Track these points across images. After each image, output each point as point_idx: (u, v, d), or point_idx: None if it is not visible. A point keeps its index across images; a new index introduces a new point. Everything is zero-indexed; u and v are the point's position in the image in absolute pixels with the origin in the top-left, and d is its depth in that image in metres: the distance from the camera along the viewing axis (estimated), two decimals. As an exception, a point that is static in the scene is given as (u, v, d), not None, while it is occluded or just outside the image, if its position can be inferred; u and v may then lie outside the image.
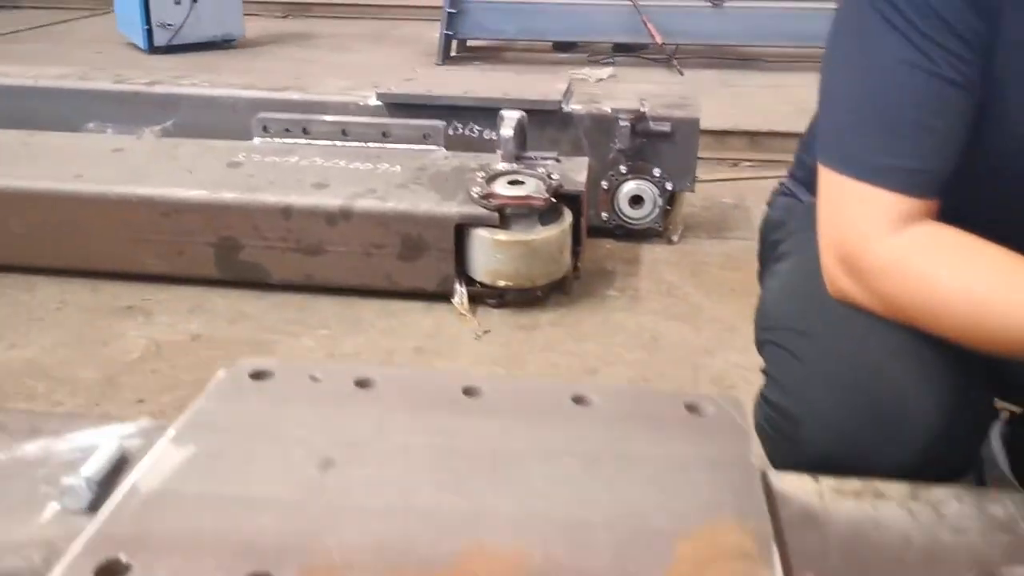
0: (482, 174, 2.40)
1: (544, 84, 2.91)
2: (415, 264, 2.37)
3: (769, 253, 1.37)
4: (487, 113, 2.77)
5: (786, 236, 1.31)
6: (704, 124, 2.85)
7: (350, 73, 5.27)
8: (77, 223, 2.43)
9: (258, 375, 0.99)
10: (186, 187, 2.39)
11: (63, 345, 2.18)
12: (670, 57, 5.71)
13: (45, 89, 3.03)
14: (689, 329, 2.32)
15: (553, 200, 2.34)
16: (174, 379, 2.04)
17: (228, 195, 2.37)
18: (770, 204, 1.51)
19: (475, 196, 2.31)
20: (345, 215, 2.33)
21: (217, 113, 2.95)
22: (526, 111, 2.67)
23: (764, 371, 1.15)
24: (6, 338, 2.20)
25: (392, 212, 2.32)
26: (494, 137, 2.79)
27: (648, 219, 2.84)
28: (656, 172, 2.78)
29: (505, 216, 2.31)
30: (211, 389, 0.97)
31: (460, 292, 2.38)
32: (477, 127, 2.83)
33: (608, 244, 2.86)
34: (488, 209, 2.29)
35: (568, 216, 2.38)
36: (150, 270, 2.48)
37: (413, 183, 2.43)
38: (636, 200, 2.82)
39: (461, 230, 2.33)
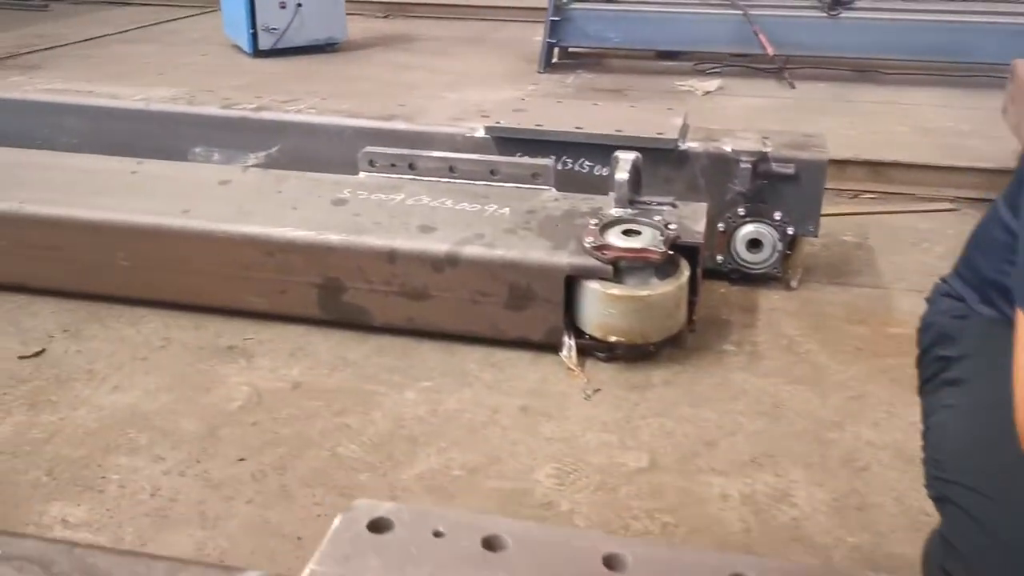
0: (595, 221, 2.28)
1: (659, 119, 2.77)
2: (522, 314, 2.27)
3: (934, 368, 1.22)
4: (599, 149, 2.66)
5: (959, 356, 1.16)
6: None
7: (451, 83, 5.22)
8: (183, 258, 2.41)
9: (376, 525, 0.91)
10: (291, 227, 2.34)
11: (165, 389, 2.15)
12: (781, 68, 5.48)
13: (156, 113, 3.03)
14: (814, 395, 2.16)
15: (670, 253, 2.21)
16: (274, 434, 1.99)
17: (333, 237, 2.31)
18: (930, 301, 1.35)
19: (588, 246, 2.19)
20: (452, 261, 2.25)
21: (322, 141, 2.90)
22: (641, 149, 2.54)
23: (940, 532, 1.01)
24: (110, 379, 2.19)
25: (500, 260, 2.23)
26: (605, 173, 2.68)
27: (766, 264, 2.68)
28: (777, 215, 2.62)
29: (619, 268, 2.20)
30: (327, 546, 0.88)
31: (568, 345, 2.28)
32: (588, 163, 2.71)
33: (723, 288, 2.71)
34: (602, 261, 2.17)
35: (686, 269, 2.25)
36: (253, 307, 2.44)
37: (522, 228, 2.33)
38: (754, 244, 2.66)
39: (572, 280, 2.22)
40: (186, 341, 2.37)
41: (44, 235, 2.48)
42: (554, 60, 5.82)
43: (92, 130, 3.10)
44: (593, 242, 2.19)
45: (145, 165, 2.71)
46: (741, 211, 2.63)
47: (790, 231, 2.63)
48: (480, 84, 5.31)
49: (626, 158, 2.39)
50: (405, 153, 2.58)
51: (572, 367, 2.24)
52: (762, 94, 5.21)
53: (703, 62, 5.82)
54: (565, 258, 2.20)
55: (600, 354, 2.29)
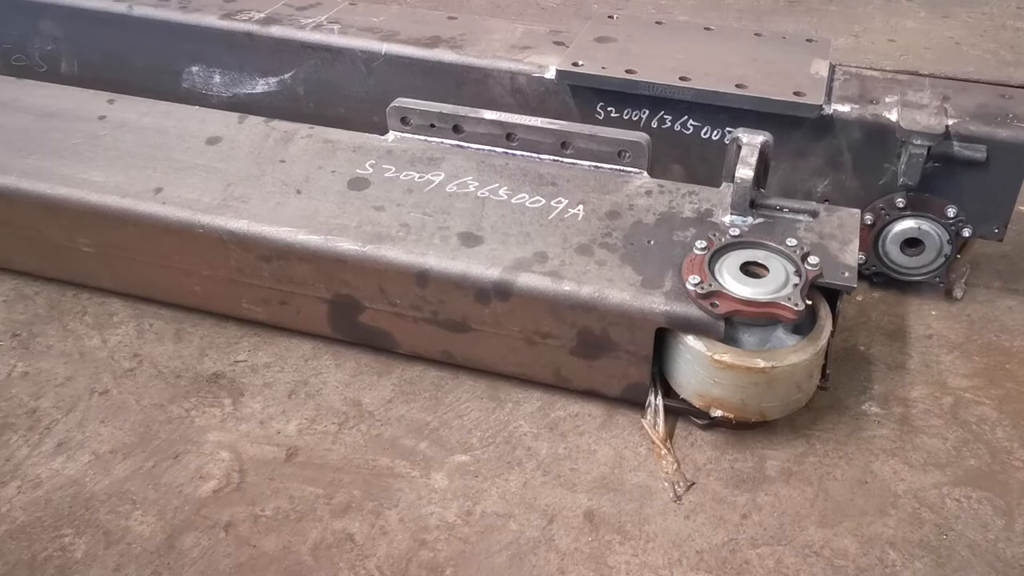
0: (702, 244, 1.63)
1: (795, 63, 2.03)
2: (594, 363, 1.68)
3: None
4: (711, 106, 1.97)
5: None
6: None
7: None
8: (157, 250, 1.85)
9: None
10: (291, 225, 1.74)
11: (123, 452, 1.64)
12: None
13: (141, 19, 2.38)
14: (994, 511, 1.56)
15: (809, 303, 1.56)
16: (252, 549, 1.48)
17: (345, 245, 1.71)
18: None
19: (692, 288, 1.56)
20: (501, 293, 1.65)
21: (347, 68, 2.25)
22: (769, 115, 1.86)
23: None
24: (57, 429, 1.69)
25: (567, 299, 1.61)
26: (715, 137, 2.01)
27: (926, 271, 2.01)
28: (950, 211, 1.92)
29: (733, 321, 1.57)
30: None
31: (654, 408, 1.69)
32: (693, 122, 2.02)
33: (860, 295, 2.06)
34: (711, 316, 1.54)
35: (827, 321, 1.61)
36: (248, 316, 1.90)
37: (600, 243, 1.69)
38: (912, 243, 1.99)
39: (665, 328, 1.61)
40: (161, 362, 1.85)
41: (-12, 207, 1.94)
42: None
43: (69, 36, 2.49)
44: (699, 285, 1.56)
45: (117, 106, 2.10)
46: (899, 201, 1.94)
47: (966, 232, 1.94)
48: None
49: (751, 143, 1.71)
50: (448, 112, 1.91)
51: (657, 442, 1.67)
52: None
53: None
54: (658, 303, 1.58)
55: (697, 420, 1.70)
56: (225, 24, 2.32)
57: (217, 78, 2.38)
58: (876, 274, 2.05)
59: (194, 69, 2.39)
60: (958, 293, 2.05)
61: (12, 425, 1.70)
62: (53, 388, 1.78)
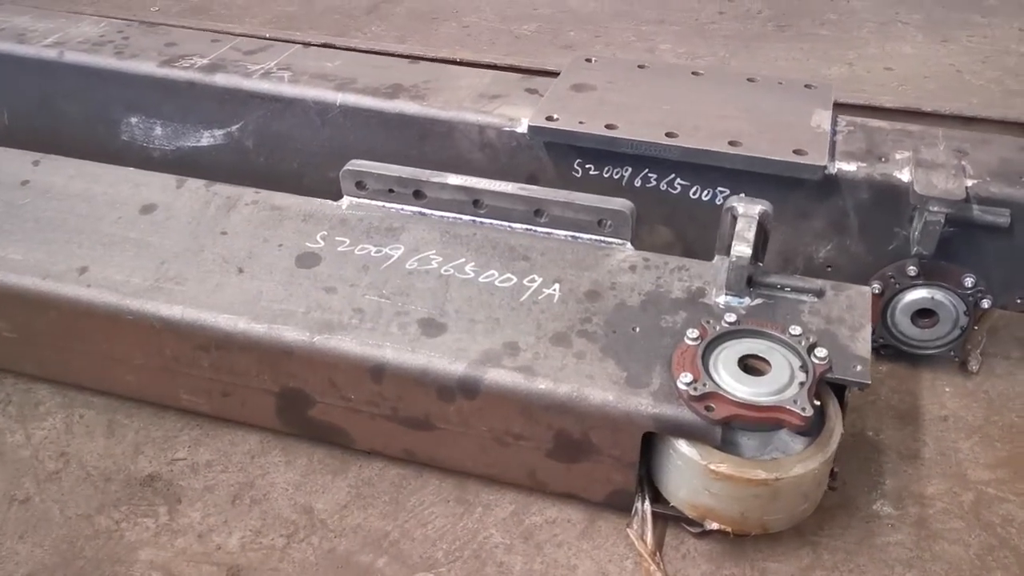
0: (694, 334, 1.44)
1: (794, 112, 1.84)
2: (573, 467, 1.49)
3: None
4: (700, 165, 1.78)
5: None
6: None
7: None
8: (84, 336, 1.65)
9: None
10: (230, 312, 1.54)
11: (42, 575, 1.44)
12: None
13: (72, 66, 2.18)
14: (1028, 640, 1.37)
15: (816, 404, 1.37)
16: None
17: (290, 335, 1.51)
18: None
19: (683, 388, 1.37)
20: (467, 391, 1.45)
21: (298, 120, 2.05)
22: (767, 176, 1.68)
23: None
24: (-37, 550, 1.49)
25: (542, 398, 1.42)
26: (706, 198, 1.82)
27: (939, 344, 1.82)
28: (967, 281, 1.74)
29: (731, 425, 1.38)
30: None
31: (641, 515, 1.50)
32: (681, 182, 1.83)
33: (867, 368, 1.87)
34: (707, 421, 1.35)
35: (838, 424, 1.42)
36: (187, 407, 1.69)
37: (578, 331, 1.50)
38: (924, 314, 1.80)
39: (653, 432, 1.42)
40: (91, 461, 1.64)
41: None
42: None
43: None
44: (692, 384, 1.36)
45: (43, 168, 1.89)
46: (911, 270, 1.75)
47: (985, 304, 1.75)
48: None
49: (748, 214, 1.52)
50: (407, 177, 1.72)
51: (645, 555, 1.47)
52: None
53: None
54: (645, 404, 1.38)
55: (690, 528, 1.51)
56: (164, 72, 2.11)
57: (158, 130, 2.18)
58: (884, 346, 1.86)
59: (133, 120, 2.19)
60: (974, 366, 1.87)
61: (-88, 546, 1.49)
62: (-37, 497, 1.58)
